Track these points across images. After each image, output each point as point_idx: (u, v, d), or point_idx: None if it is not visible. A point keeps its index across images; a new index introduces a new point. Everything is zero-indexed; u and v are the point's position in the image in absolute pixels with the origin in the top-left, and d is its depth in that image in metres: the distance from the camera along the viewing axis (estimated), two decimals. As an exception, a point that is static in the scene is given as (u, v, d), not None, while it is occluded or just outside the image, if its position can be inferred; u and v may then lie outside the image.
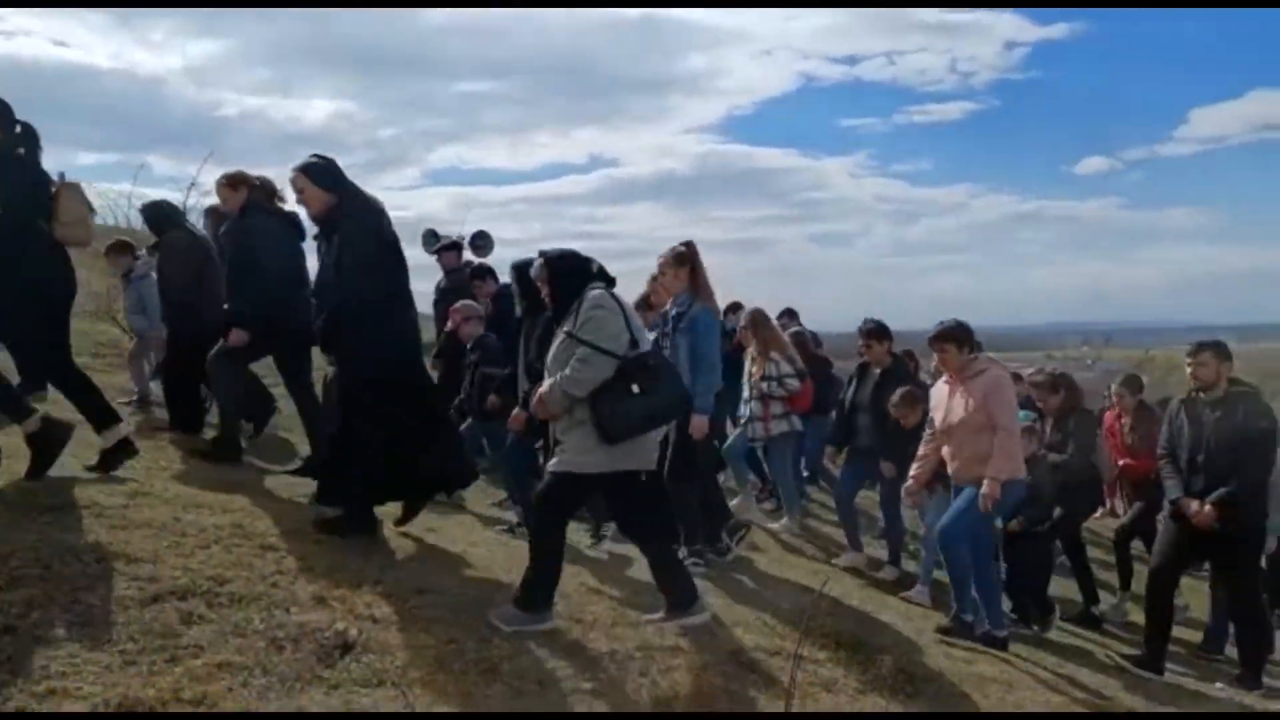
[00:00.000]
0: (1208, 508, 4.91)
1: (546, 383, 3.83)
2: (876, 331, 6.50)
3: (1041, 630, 5.77)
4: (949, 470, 5.23)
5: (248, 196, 5.55)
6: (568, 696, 3.17)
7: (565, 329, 3.84)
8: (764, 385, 6.70)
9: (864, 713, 3.52)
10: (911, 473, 5.49)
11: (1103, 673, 5.02)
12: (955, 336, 5.13)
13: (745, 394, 6.87)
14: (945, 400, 5.20)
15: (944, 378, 5.29)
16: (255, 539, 3.96)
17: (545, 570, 3.78)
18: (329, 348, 4.58)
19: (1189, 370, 5.21)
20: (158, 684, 2.65)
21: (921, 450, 5.41)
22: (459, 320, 6.94)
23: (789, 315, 8.88)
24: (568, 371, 3.72)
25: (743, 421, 6.94)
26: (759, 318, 6.93)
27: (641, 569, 4.94)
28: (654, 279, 5.84)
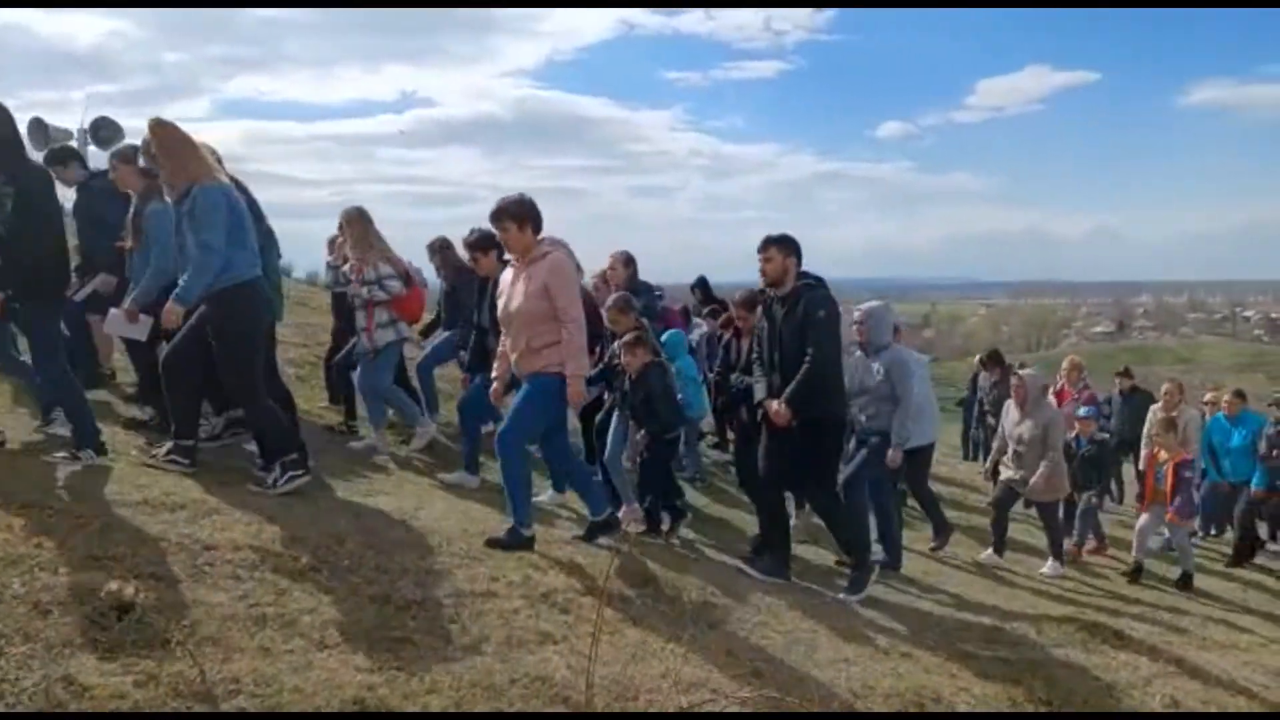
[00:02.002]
0: (782, 406, 4.89)
1: None
2: (480, 243, 5.94)
3: (667, 536, 5.68)
4: (512, 363, 4.71)
5: None
6: (373, 647, 3.09)
7: None
8: (365, 291, 6.14)
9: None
10: (493, 375, 5.01)
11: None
12: (514, 213, 4.51)
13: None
14: (508, 286, 4.66)
15: (512, 261, 4.73)
16: (15, 499, 3.57)
17: None
18: None
19: (759, 267, 5.08)
20: (-109, 659, 2.35)
21: (500, 348, 4.88)
22: None
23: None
24: None
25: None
26: (354, 215, 6.29)
27: (457, 514, 4.90)
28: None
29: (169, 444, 4.70)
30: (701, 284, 9.65)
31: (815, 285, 5.01)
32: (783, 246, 5.02)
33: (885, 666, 3.91)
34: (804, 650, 3.93)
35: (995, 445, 7.56)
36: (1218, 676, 4.69)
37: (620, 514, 5.61)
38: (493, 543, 4.44)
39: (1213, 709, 4.27)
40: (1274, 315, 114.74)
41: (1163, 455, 7.20)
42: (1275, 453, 8.12)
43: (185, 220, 4.48)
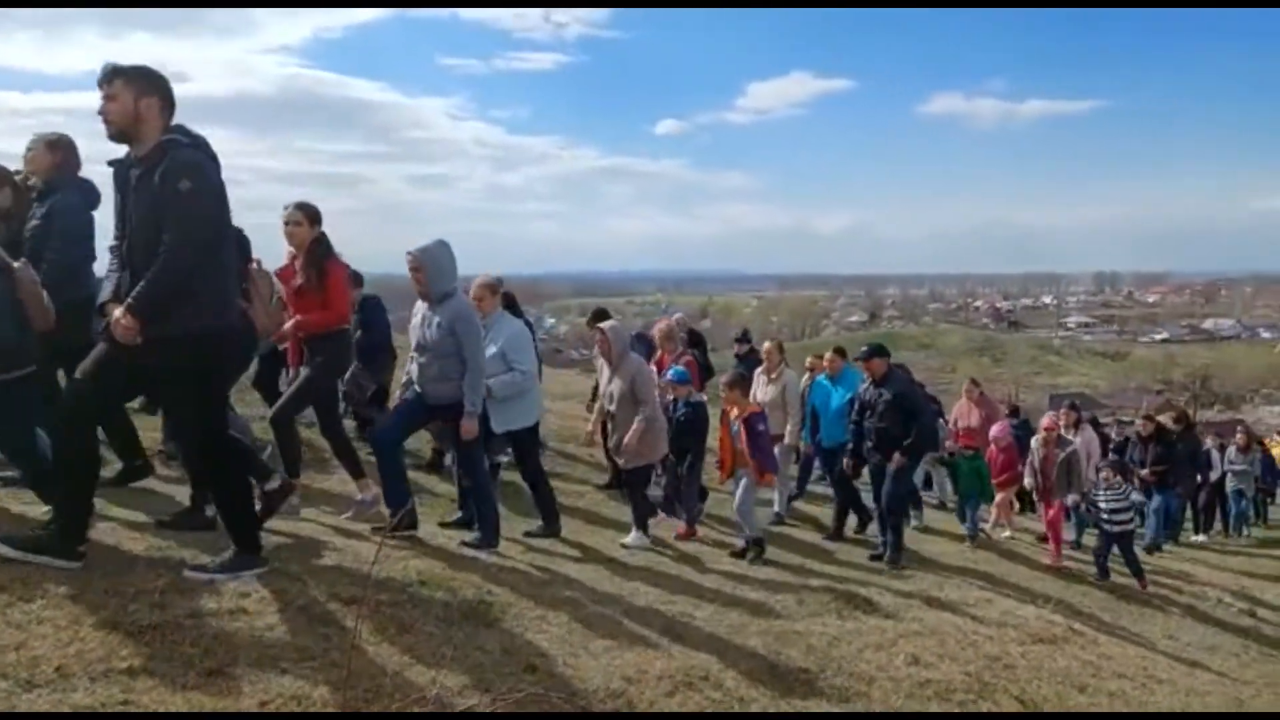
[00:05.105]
0: (124, 315, 3.41)
1: None
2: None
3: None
4: None
5: None
6: (97, 680, 2.75)
7: None
8: None
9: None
10: None
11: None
12: None
13: None
14: None
15: None
16: None
17: None
18: None
19: (100, 108, 3.54)
20: None
21: None
22: None
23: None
24: None
25: None
26: None
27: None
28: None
29: None
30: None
31: (186, 144, 3.56)
32: (134, 81, 3.54)
33: (657, 650, 3.99)
34: (579, 641, 3.93)
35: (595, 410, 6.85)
36: (950, 632, 5.19)
37: None
38: None
39: (948, 662, 4.71)
40: (998, 305, 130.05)
41: (734, 412, 6.80)
42: (868, 414, 7.41)
43: None
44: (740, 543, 6.67)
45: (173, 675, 2.89)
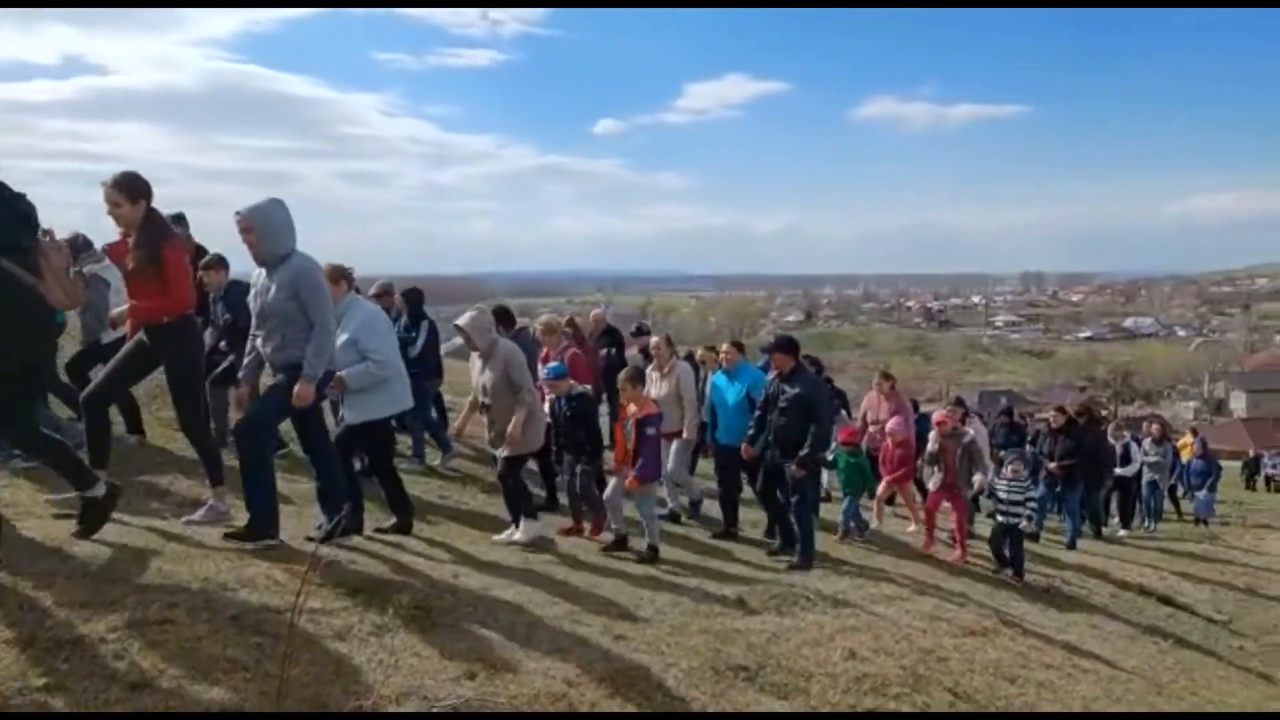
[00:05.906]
0: None
1: None
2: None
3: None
4: None
5: None
6: (10, 699, 2.63)
7: None
8: None
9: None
10: None
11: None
12: None
13: None
14: None
15: None
16: None
17: None
18: None
19: None
20: None
21: None
22: None
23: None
24: None
25: None
26: None
27: (129, 536, 4.34)
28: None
29: None
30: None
31: None
32: None
33: (598, 652, 3.98)
34: (518, 645, 3.89)
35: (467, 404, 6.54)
36: (885, 626, 5.28)
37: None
38: None
39: (883, 656, 4.79)
40: (929, 305, 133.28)
41: (631, 408, 6.61)
42: (770, 409, 7.12)
43: None
44: (644, 546, 6.38)
45: (94, 691, 2.79)
